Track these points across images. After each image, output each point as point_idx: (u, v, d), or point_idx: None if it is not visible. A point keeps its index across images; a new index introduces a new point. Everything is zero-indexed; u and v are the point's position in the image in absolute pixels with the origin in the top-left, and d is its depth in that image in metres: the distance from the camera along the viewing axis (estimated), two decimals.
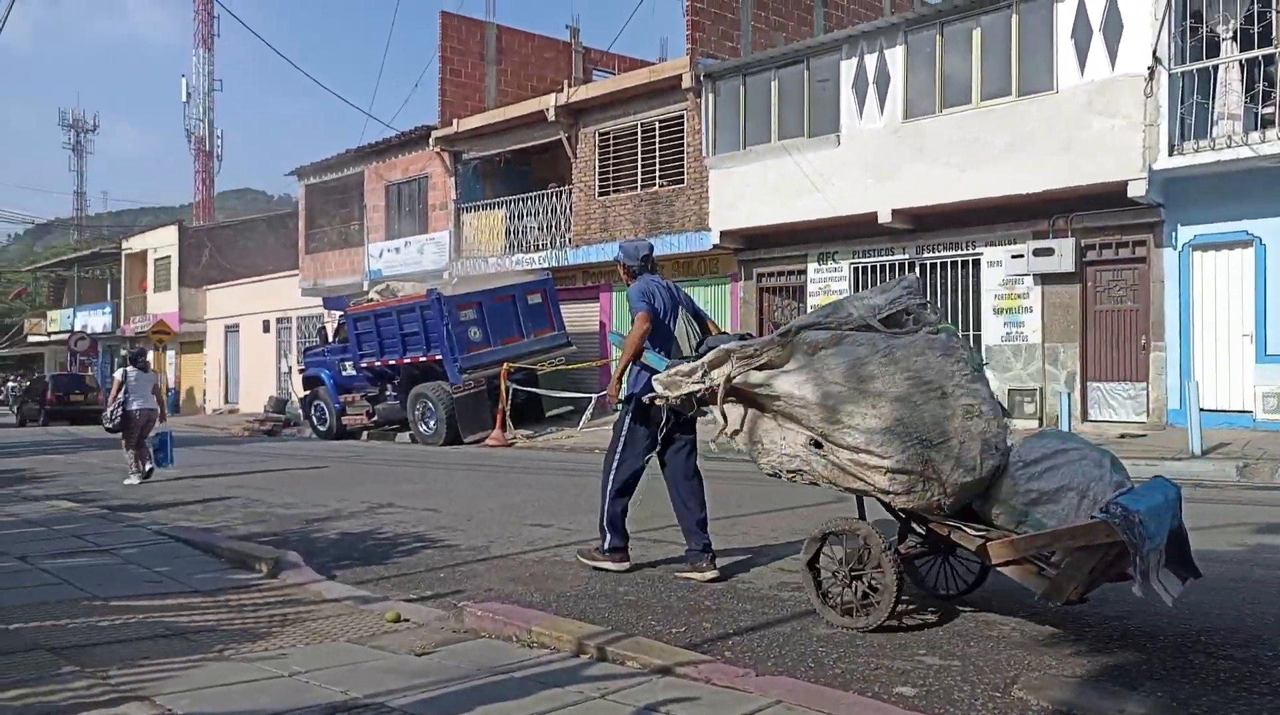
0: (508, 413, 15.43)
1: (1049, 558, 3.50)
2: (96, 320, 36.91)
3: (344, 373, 18.07)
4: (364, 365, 17.29)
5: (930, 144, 12.79)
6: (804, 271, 15.07)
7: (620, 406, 5.36)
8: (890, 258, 14.04)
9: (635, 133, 17.14)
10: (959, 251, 13.36)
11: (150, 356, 11.02)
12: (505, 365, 15.53)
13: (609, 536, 5.19)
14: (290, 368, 25.60)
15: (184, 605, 4.42)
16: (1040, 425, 12.36)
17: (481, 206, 20.26)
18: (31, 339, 42.69)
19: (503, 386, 15.39)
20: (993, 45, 12.33)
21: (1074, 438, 3.99)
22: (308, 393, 19.12)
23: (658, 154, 16.79)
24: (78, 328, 36.78)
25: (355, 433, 18.02)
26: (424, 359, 16.04)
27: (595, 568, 5.21)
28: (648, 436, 5.21)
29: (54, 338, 39.45)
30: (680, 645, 3.64)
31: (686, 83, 15.65)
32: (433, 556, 5.86)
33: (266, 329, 28.57)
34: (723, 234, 15.35)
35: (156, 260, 34.05)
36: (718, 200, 15.46)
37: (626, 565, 5.18)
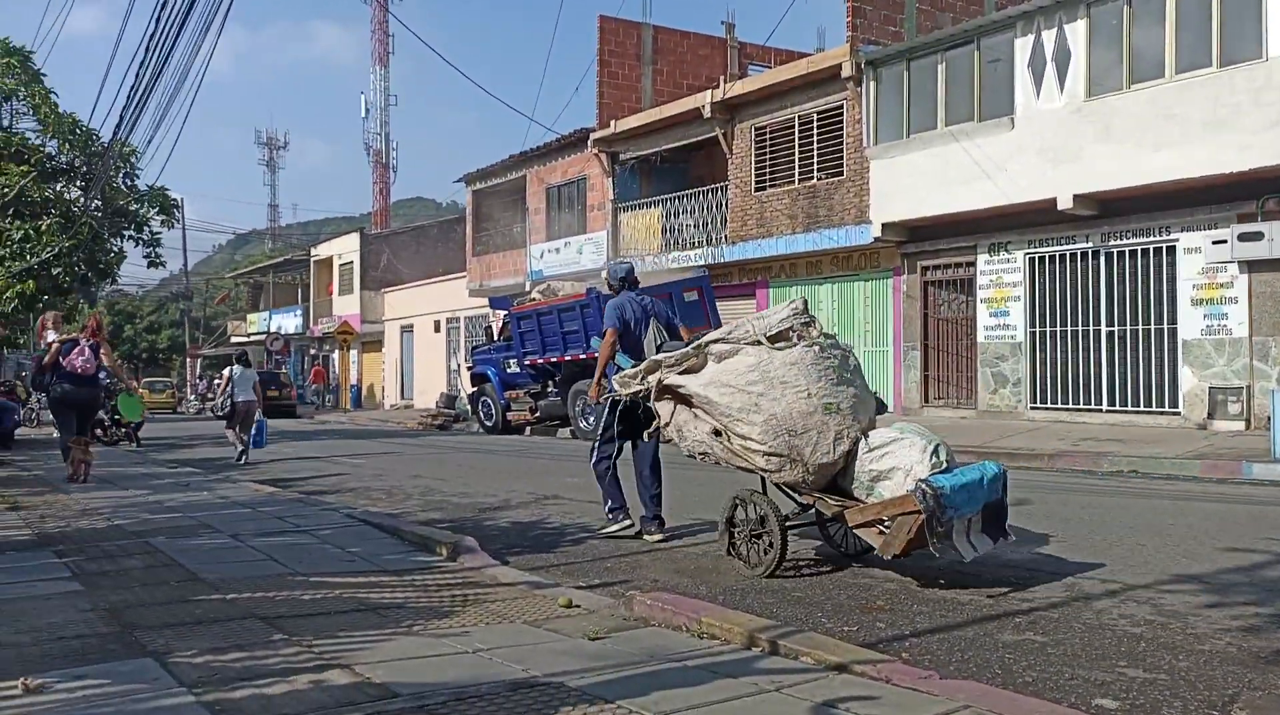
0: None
1: (884, 521, 4.49)
2: (289, 322, 40.11)
3: (508, 370, 18.76)
4: (527, 362, 17.89)
5: (1117, 123, 11.88)
6: (973, 263, 14.36)
7: (597, 404, 6.39)
8: (1070, 247, 13.15)
9: (792, 126, 16.87)
10: (1150, 238, 12.34)
11: (249, 358, 11.98)
12: None
13: (610, 501, 6.24)
14: (459, 365, 26.88)
15: (374, 583, 4.70)
16: (1247, 427, 11.25)
17: (638, 205, 20.54)
18: (233, 339, 46.92)
19: None
20: (1190, 13, 11.31)
21: (910, 428, 4.94)
22: (475, 389, 19.99)
23: (815, 146, 16.46)
24: (273, 329, 40.10)
25: (519, 428, 18.68)
26: (584, 356, 16.40)
27: (611, 535, 6.16)
28: (622, 427, 6.22)
29: (252, 338, 43.17)
30: (854, 644, 3.54)
31: (846, 72, 15.25)
32: (599, 547, 5.97)
33: (437, 329, 30.15)
34: (884, 226, 14.86)
35: (340, 266, 36.65)
36: (879, 191, 14.98)
37: (629, 521, 6.18)
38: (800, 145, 16.76)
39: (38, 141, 16.63)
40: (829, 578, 4.86)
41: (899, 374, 15.52)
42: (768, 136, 17.38)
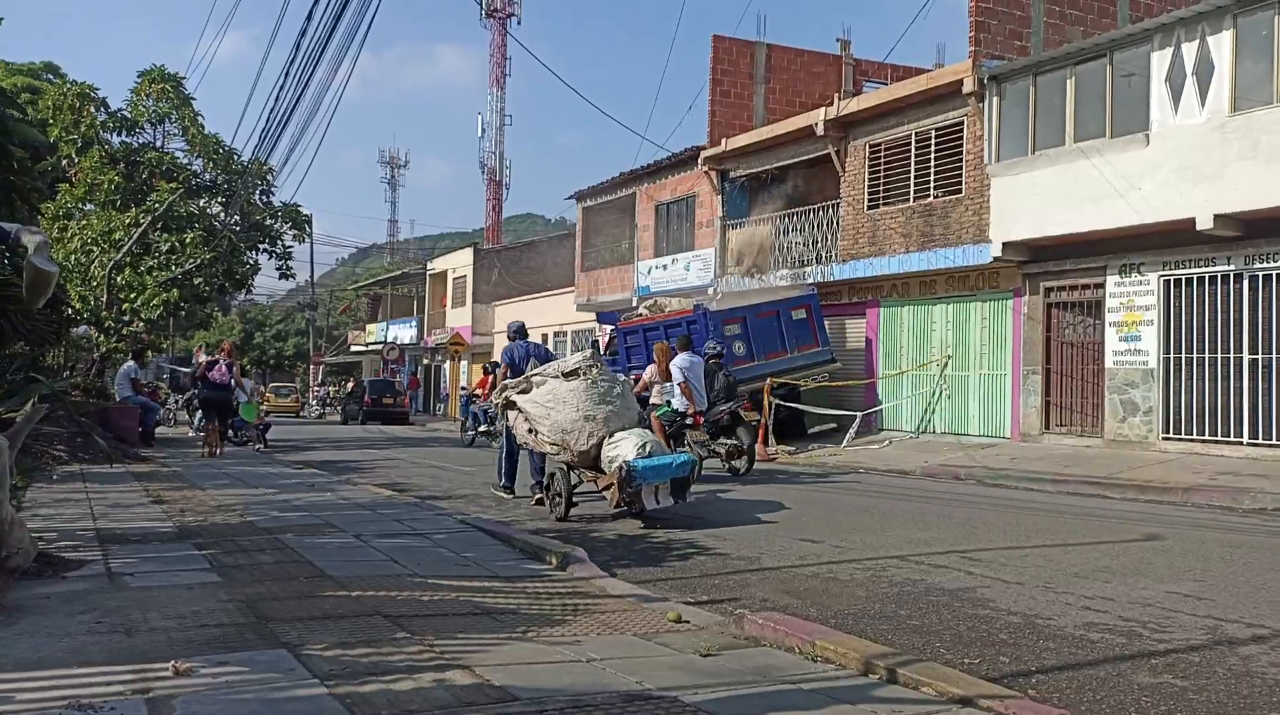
0: (770, 427, 15.40)
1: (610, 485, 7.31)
2: (404, 332, 41.68)
3: None
4: (633, 377, 18.03)
5: (1265, 139, 11.14)
6: (1102, 285, 13.68)
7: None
8: (1210, 268, 12.38)
9: (909, 143, 16.51)
10: None
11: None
12: (769, 379, 15.52)
13: (505, 481, 9.33)
14: None
15: (488, 588, 4.82)
16: None
17: (747, 222, 20.47)
18: (353, 348, 49.04)
19: (766, 401, 15.39)
20: None
21: (638, 432, 7.65)
22: None
23: (932, 164, 16.06)
24: (389, 339, 41.75)
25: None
26: None
27: (502, 496, 9.20)
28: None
29: (370, 348, 45.04)
30: (976, 676, 3.41)
31: (968, 87, 14.83)
32: (705, 563, 5.95)
33: (545, 341, 30.74)
34: (1005, 245, 14.33)
35: (454, 279, 37.88)
36: (1000, 210, 14.48)
37: (509, 494, 9.15)
38: (917, 162, 16.38)
39: (185, 160, 17.88)
40: (946, 608, 4.70)
41: (1017, 399, 14.91)
42: (882, 153, 17.06)
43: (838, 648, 3.59)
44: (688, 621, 4.22)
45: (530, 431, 7.89)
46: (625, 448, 7.37)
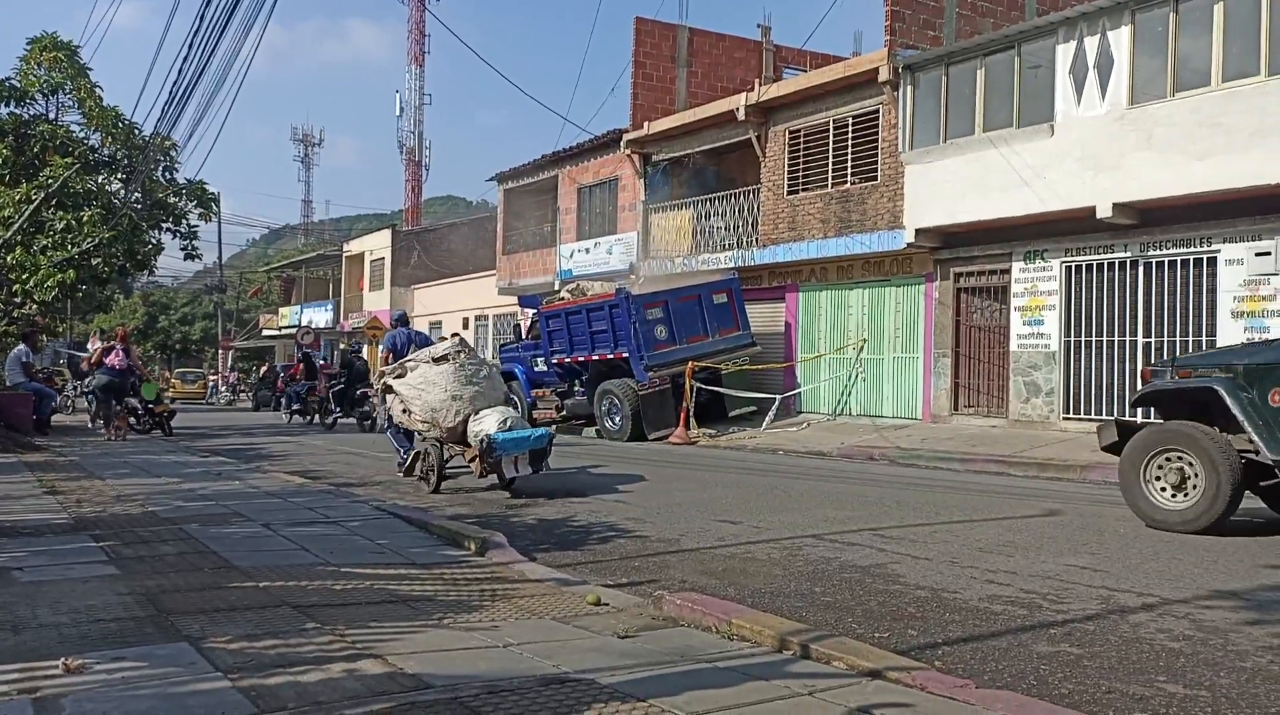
0: (692, 411, 15.54)
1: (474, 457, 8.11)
2: (320, 316, 40.53)
3: (536, 368, 18.83)
4: (554, 361, 17.94)
5: (1160, 131, 11.69)
6: (1008, 271, 14.19)
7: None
8: (1109, 256, 12.96)
9: (827, 130, 16.78)
10: (1190, 248, 12.12)
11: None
12: (690, 364, 15.64)
13: (402, 453, 9.78)
14: None
15: (404, 575, 4.73)
16: None
17: (669, 207, 20.53)
18: (265, 333, 47.48)
19: (687, 385, 15.50)
20: (1238, 20, 11.10)
21: (500, 409, 8.45)
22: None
23: (850, 151, 16.36)
24: (304, 323, 40.54)
25: (545, 426, 18.71)
26: (611, 356, 16.43)
27: (403, 474, 9.45)
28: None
29: (284, 332, 43.67)
30: (887, 650, 3.50)
31: (884, 76, 15.14)
32: (625, 546, 5.97)
33: (466, 326, 30.31)
34: (918, 232, 14.72)
35: (372, 262, 36.97)
36: (913, 197, 14.86)
37: (415, 473, 9.10)
38: (835, 149, 16.67)
39: (82, 134, 16.91)
40: (858, 585, 4.82)
41: (929, 381, 15.38)
42: (801, 140, 17.30)
43: (753, 626, 3.64)
44: (607, 604, 4.22)
45: (404, 411, 8.75)
46: (488, 423, 8.20)
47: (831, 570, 5.16)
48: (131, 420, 15.94)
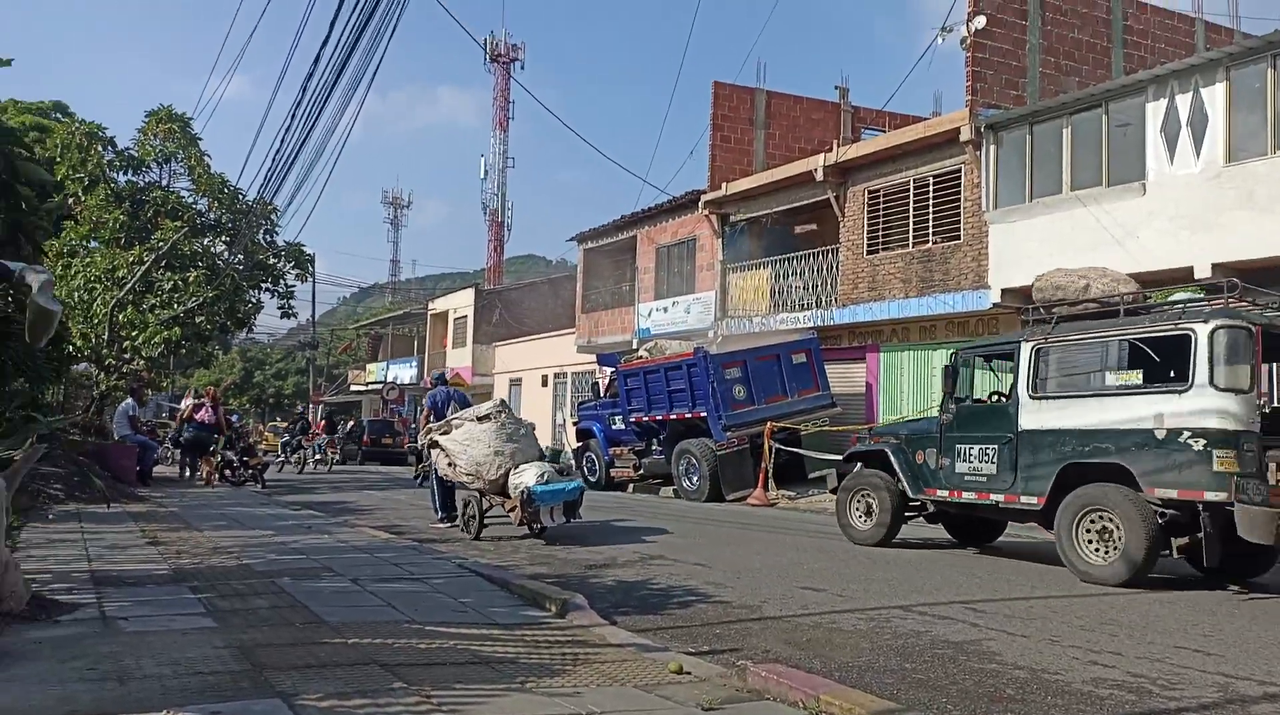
0: (770, 472, 15.33)
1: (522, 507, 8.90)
2: (404, 372, 41.64)
3: (613, 426, 18.89)
4: (632, 420, 17.99)
5: (1262, 189, 11.27)
6: None
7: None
8: None
9: (907, 189, 16.68)
10: None
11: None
12: (769, 424, 15.48)
13: (441, 514, 10.62)
14: (565, 420, 27.25)
15: (486, 636, 4.75)
16: None
17: (747, 266, 20.59)
18: (353, 388, 48.96)
19: (766, 445, 15.33)
20: None
21: (538, 464, 9.25)
22: (580, 444, 20.17)
23: (930, 210, 16.21)
24: (389, 379, 41.69)
25: (622, 485, 18.71)
26: (689, 415, 16.39)
27: (436, 526, 10.41)
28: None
29: (370, 387, 44.96)
30: None
31: (965, 135, 15.03)
32: (706, 611, 5.88)
33: (545, 383, 30.72)
34: (1004, 292, 14.40)
35: (455, 319, 37.96)
36: (998, 256, 14.58)
37: (448, 525, 10.33)
38: (915, 208, 16.53)
39: (191, 199, 18.01)
40: (951, 661, 4.63)
41: None
42: (881, 199, 17.23)
43: (843, 703, 3.53)
44: (689, 673, 4.15)
45: (450, 465, 9.58)
46: (528, 476, 9.01)
47: (922, 645, 4.97)
48: (227, 472, 16.77)
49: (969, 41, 15.38)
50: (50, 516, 9.55)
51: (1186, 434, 6.81)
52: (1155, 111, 12.46)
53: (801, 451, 16.23)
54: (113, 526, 8.97)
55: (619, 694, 3.79)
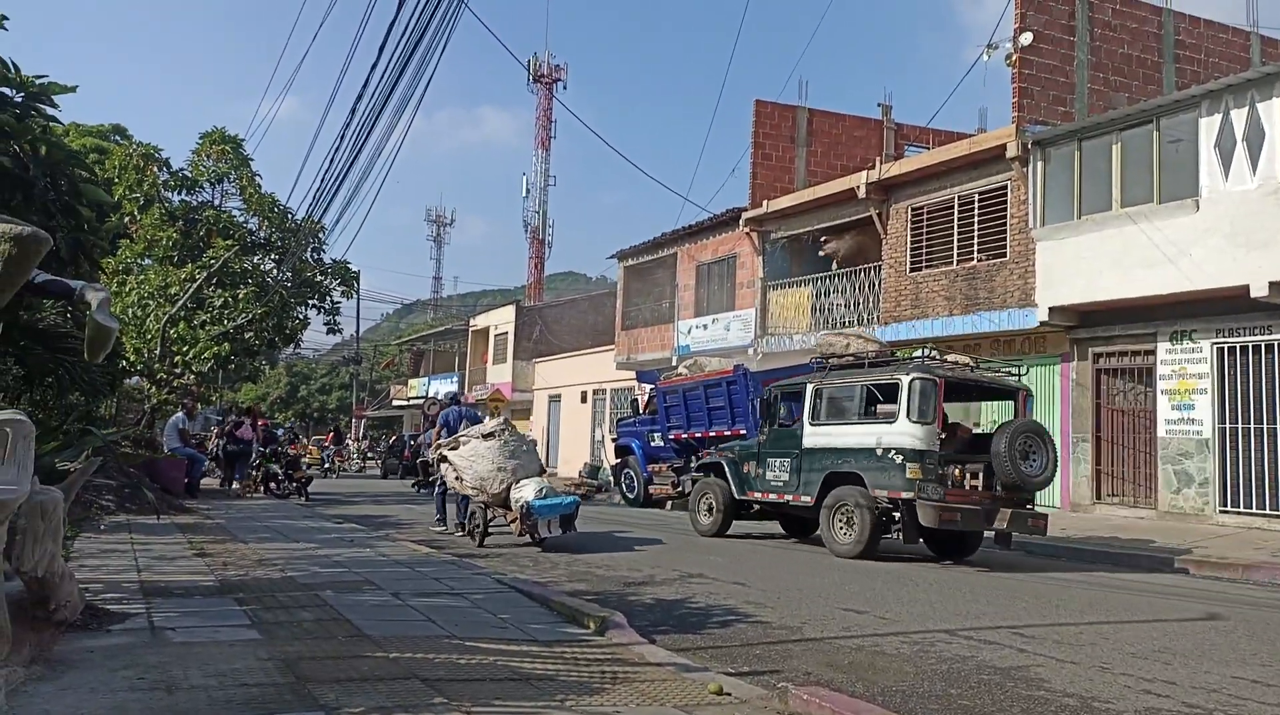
0: None
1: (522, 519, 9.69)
2: (445, 388, 42.05)
3: (653, 443, 18.85)
4: (671, 437, 17.93)
5: None
6: (1153, 352, 13.42)
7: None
8: (1266, 337, 12.10)
9: (951, 206, 16.51)
10: None
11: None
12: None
13: (439, 516, 11.81)
14: (604, 436, 27.27)
15: (525, 652, 4.75)
16: None
17: (788, 284, 20.50)
18: (395, 403, 49.56)
19: None
20: None
21: (536, 480, 9.80)
22: (619, 461, 20.17)
23: (976, 227, 16.01)
24: (430, 394, 42.12)
25: (660, 502, 18.64)
26: (729, 433, 16.28)
27: (435, 531, 11.37)
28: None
29: (411, 402, 45.48)
30: None
31: (1011, 152, 14.85)
32: (746, 631, 5.82)
33: (584, 399, 30.81)
34: (1051, 310, 14.16)
35: (496, 336, 38.29)
36: (1046, 274, 14.34)
37: (441, 529, 11.46)
38: (960, 225, 16.35)
39: (241, 218, 18.45)
40: (998, 688, 4.52)
41: (1067, 467, 14.54)
42: (925, 216, 17.07)
43: None
44: (729, 694, 4.11)
45: (457, 479, 10.26)
46: (527, 491, 9.66)
47: (968, 670, 4.87)
48: (272, 485, 17.15)
49: (1015, 58, 15.23)
50: (102, 527, 9.78)
51: (893, 452, 9.59)
52: (1209, 127, 12.20)
53: None
54: (161, 538, 9.16)
55: (658, 714, 3.76)
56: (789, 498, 10.87)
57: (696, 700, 3.99)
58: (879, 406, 10.05)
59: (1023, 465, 9.54)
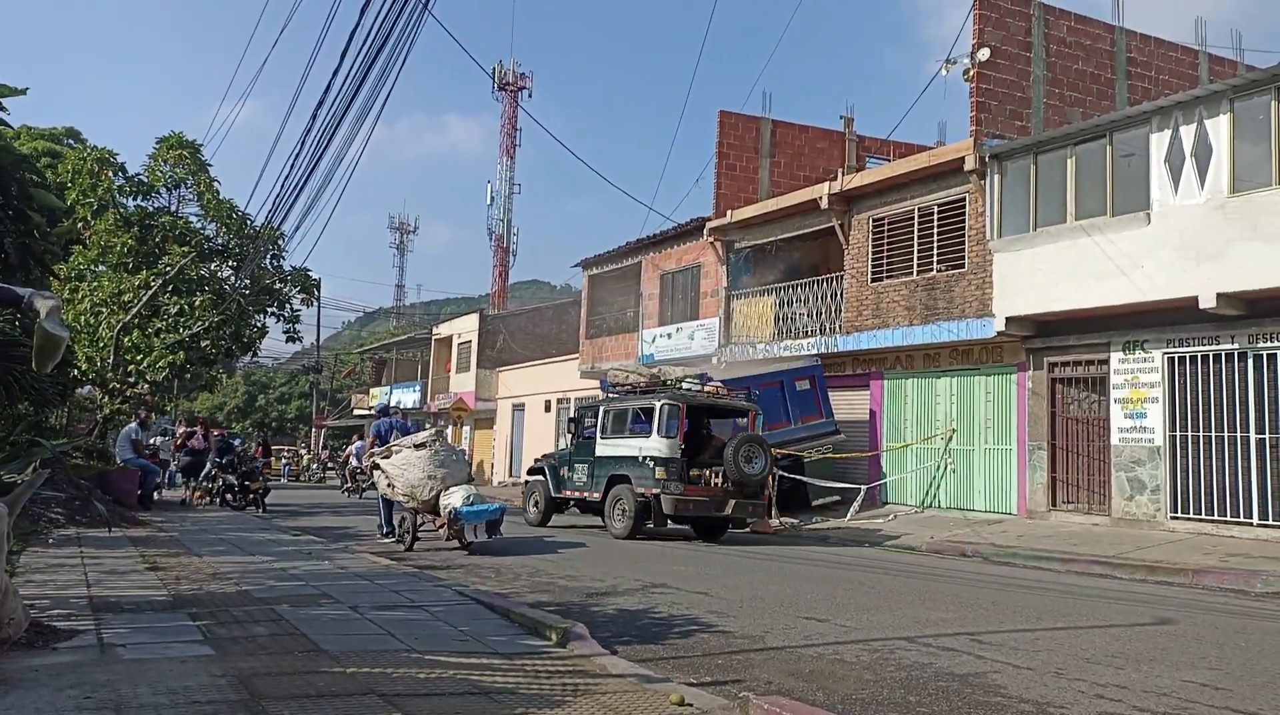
0: (774, 499, 15.25)
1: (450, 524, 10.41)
2: (408, 397, 41.65)
3: None
4: None
5: (1267, 219, 11.29)
6: (1106, 361, 13.71)
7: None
8: (1214, 347, 12.41)
9: (912, 218, 16.75)
10: None
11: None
12: (771, 450, 15.43)
13: (386, 529, 11.78)
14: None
15: (485, 665, 4.70)
16: None
17: (751, 293, 20.64)
18: (356, 412, 48.94)
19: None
20: None
21: (464, 487, 10.50)
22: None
23: (935, 238, 16.25)
24: (393, 403, 41.67)
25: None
26: None
27: (382, 542, 11.49)
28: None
29: (373, 411, 44.90)
30: None
31: (969, 165, 15.11)
32: (708, 641, 5.83)
33: (548, 408, 30.69)
34: (1008, 320, 14.41)
35: (459, 345, 38.02)
36: (1003, 285, 14.59)
37: (392, 540, 11.40)
38: (920, 236, 16.59)
39: (199, 224, 18.11)
40: (956, 695, 4.58)
41: (1023, 474, 14.79)
42: (886, 227, 17.29)
43: None
44: (691, 704, 4.10)
45: (389, 486, 10.85)
46: (455, 498, 10.32)
47: (926, 677, 4.92)
48: (228, 496, 16.83)
49: (973, 73, 15.52)
50: (50, 541, 9.52)
51: (648, 459, 12.85)
52: (1159, 142, 12.52)
53: (804, 479, 16.18)
54: (113, 551, 8.94)
55: None
56: (587, 495, 14.00)
57: (658, 711, 3.98)
58: (640, 425, 13.27)
59: (745, 467, 12.71)
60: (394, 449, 10.91)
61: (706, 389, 13.62)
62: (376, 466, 11.04)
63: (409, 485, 10.55)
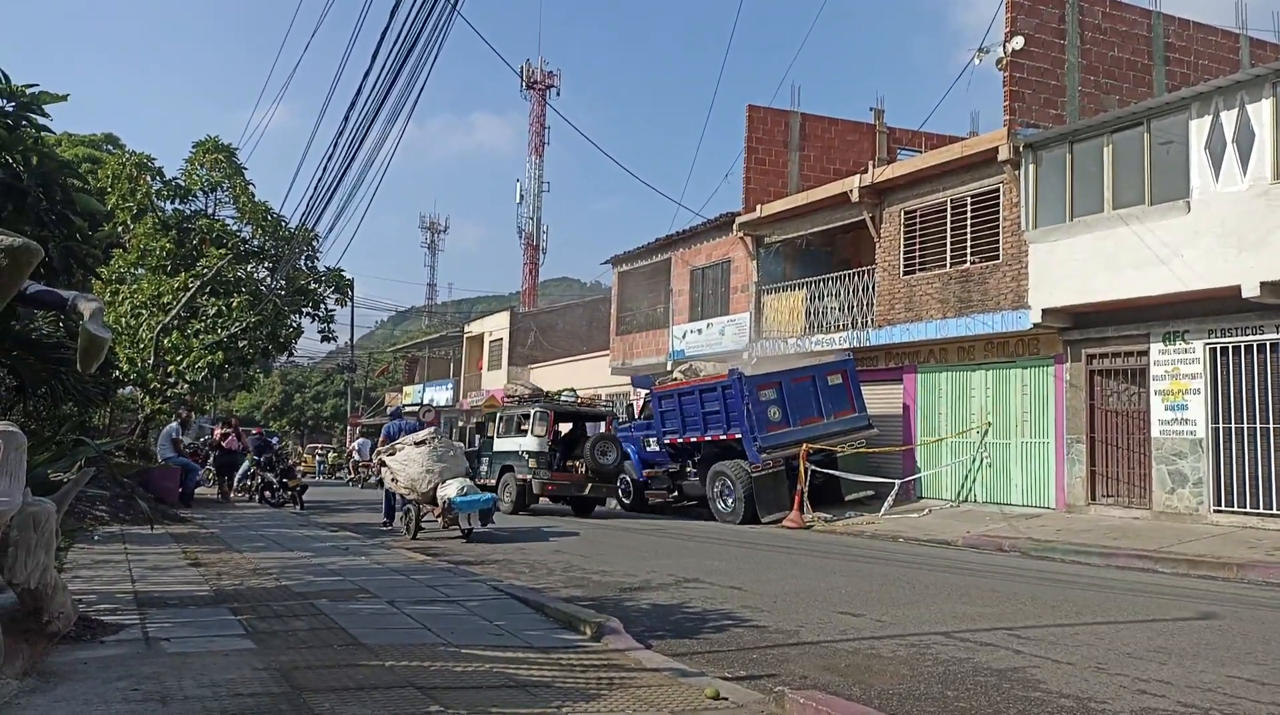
0: (806, 494, 15.18)
1: (444, 513, 11.60)
2: (440, 395, 42.00)
3: (648, 448, 18.84)
4: (667, 441, 17.94)
5: None
6: (1145, 352, 13.46)
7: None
8: (1258, 337, 12.14)
9: (944, 209, 16.56)
10: None
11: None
12: (804, 446, 15.35)
13: (386, 519, 13.24)
14: None
15: (521, 659, 4.74)
16: None
17: (782, 288, 20.54)
18: (389, 409, 49.42)
19: (802, 467, 15.20)
20: None
21: (461, 480, 11.39)
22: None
23: (969, 230, 16.06)
24: (425, 401, 42.04)
25: (656, 507, 18.64)
26: (724, 437, 16.31)
27: (385, 528, 12.95)
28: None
29: (406, 409, 45.30)
30: None
31: (1003, 155, 14.90)
32: (742, 635, 5.82)
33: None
34: (1045, 312, 14.20)
35: (491, 342, 38.26)
36: (1039, 276, 14.38)
37: (391, 526, 12.85)
38: (953, 228, 16.40)
39: (234, 227, 18.41)
40: (995, 690, 4.53)
41: (1061, 468, 14.58)
42: (918, 220, 17.11)
43: None
44: (726, 699, 4.11)
45: (393, 480, 11.83)
46: (450, 490, 11.19)
47: (964, 672, 4.87)
48: (266, 493, 17.13)
49: (1006, 62, 15.30)
50: (95, 538, 9.74)
51: (525, 453, 16.97)
52: (1199, 129, 12.26)
53: (837, 473, 16.07)
54: (155, 548, 9.12)
55: None
56: (487, 481, 17.44)
57: (692, 705, 3.99)
58: (522, 428, 17.43)
59: (600, 458, 16.90)
60: (397, 447, 11.85)
61: (578, 400, 18.47)
62: (383, 463, 11.99)
63: (410, 479, 11.47)
